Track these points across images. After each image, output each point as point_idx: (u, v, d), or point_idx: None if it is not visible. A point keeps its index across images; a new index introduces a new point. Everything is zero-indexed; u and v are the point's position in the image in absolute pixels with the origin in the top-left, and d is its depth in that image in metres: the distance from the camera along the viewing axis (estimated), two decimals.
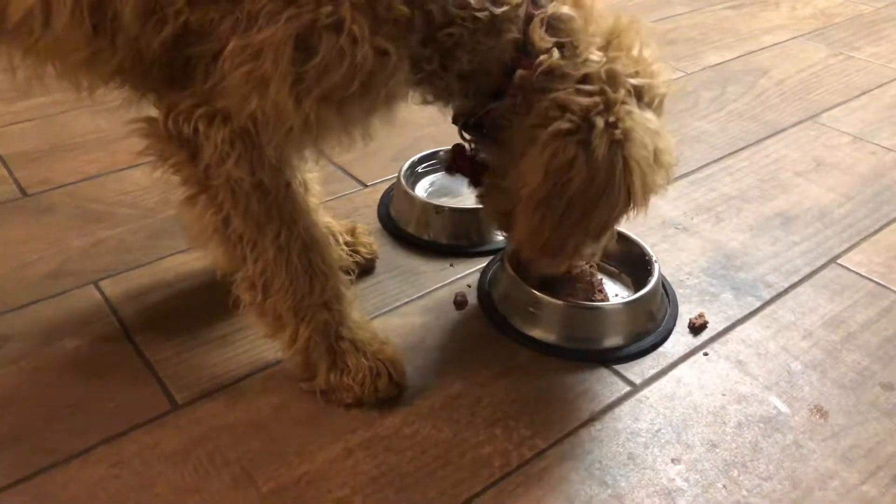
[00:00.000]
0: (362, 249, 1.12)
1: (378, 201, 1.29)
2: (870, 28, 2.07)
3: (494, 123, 0.87)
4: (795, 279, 1.14)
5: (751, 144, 1.50)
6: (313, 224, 0.88)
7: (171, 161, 0.81)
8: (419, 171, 1.33)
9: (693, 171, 1.40)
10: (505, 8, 0.78)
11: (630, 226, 1.19)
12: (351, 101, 0.74)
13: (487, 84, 0.84)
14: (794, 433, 0.90)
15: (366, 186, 1.34)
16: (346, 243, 1.11)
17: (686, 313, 1.07)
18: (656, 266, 1.06)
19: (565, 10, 0.81)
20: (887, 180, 1.39)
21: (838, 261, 1.18)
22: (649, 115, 0.83)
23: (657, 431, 0.90)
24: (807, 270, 1.16)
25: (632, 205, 0.84)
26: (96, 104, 1.49)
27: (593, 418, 0.91)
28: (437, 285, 1.11)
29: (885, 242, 1.22)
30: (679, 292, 1.11)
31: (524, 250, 0.92)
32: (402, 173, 1.27)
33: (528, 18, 0.81)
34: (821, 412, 0.93)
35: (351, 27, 0.69)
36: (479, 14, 0.77)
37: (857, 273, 1.16)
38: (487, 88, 0.85)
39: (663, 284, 1.10)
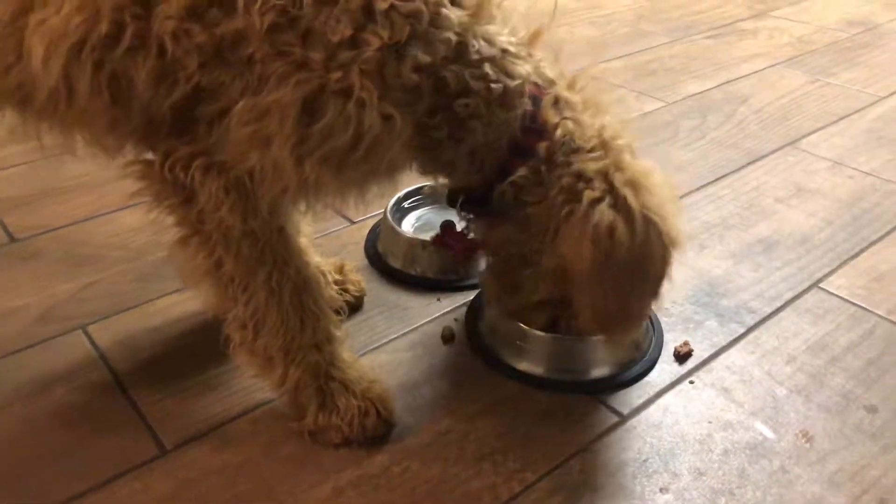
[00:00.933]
0: (351, 287, 1.13)
1: (365, 238, 1.30)
2: (846, 54, 2.11)
3: (503, 200, 0.88)
4: (778, 304, 1.16)
5: (731, 172, 1.52)
6: (305, 265, 0.89)
7: (166, 203, 0.82)
8: (405, 206, 1.35)
9: None
10: (518, 82, 0.82)
11: None
12: (351, 165, 0.75)
13: (494, 160, 0.87)
14: (781, 459, 0.91)
15: (353, 223, 1.35)
16: (336, 282, 1.12)
17: (671, 341, 1.08)
18: None
19: (566, 93, 0.87)
20: (866, 204, 1.41)
21: (820, 285, 1.20)
22: (645, 164, 0.89)
23: (645, 461, 0.90)
24: (789, 295, 1.18)
25: (671, 249, 0.88)
26: (85, 147, 1.52)
27: (582, 449, 0.92)
28: (425, 320, 1.12)
29: (865, 265, 1.24)
30: (664, 321, 1.12)
31: (591, 328, 0.93)
32: (389, 209, 1.28)
33: (537, 99, 0.85)
34: (806, 437, 0.94)
35: (360, 94, 0.70)
36: (494, 86, 0.80)
37: (838, 297, 1.17)
38: (493, 164, 0.87)
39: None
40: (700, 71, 2.00)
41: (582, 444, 0.92)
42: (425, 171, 0.90)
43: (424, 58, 0.73)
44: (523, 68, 0.83)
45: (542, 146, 0.85)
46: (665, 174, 0.91)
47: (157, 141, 0.82)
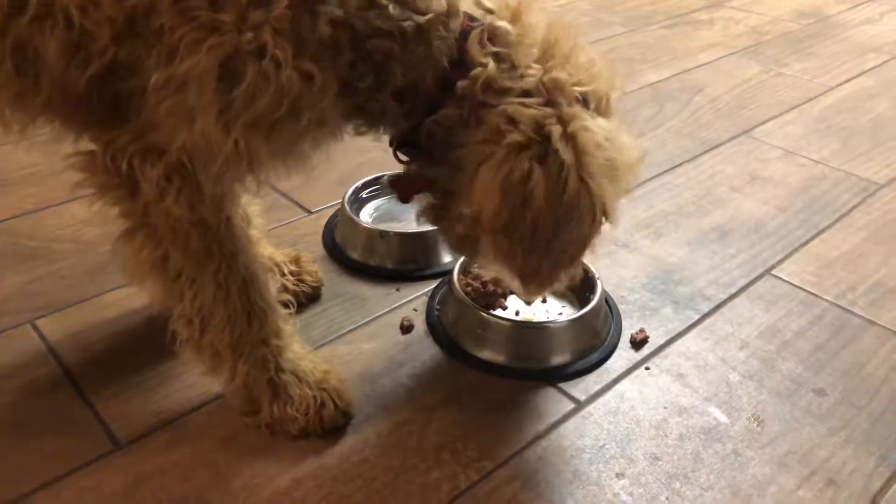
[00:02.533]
0: (307, 278, 1.12)
1: (323, 228, 1.29)
2: (798, 45, 2.15)
3: (435, 140, 0.83)
4: (732, 291, 1.18)
5: (687, 161, 1.54)
6: (253, 259, 0.88)
7: (110, 195, 0.80)
8: (363, 196, 1.34)
9: (632, 189, 1.44)
10: (429, 16, 0.77)
11: None
12: (279, 127, 0.73)
13: (422, 100, 0.82)
14: (734, 442, 0.93)
15: (311, 213, 1.34)
16: (291, 272, 1.11)
17: (628, 328, 1.10)
18: (599, 283, 1.08)
19: (501, 24, 0.80)
20: (816, 192, 1.44)
21: (773, 272, 1.22)
22: (600, 121, 0.81)
23: (601, 447, 0.91)
24: (743, 282, 1.20)
25: (601, 217, 0.81)
26: (31, 139, 1.48)
27: (539, 437, 0.92)
28: (384, 310, 1.12)
29: (815, 252, 1.27)
30: (621, 308, 1.13)
31: (504, 277, 0.90)
32: (347, 199, 1.27)
33: (465, 33, 0.80)
34: (758, 420, 0.96)
35: (273, 52, 0.69)
36: (404, 24, 0.75)
37: (790, 283, 1.20)
38: (423, 105, 0.82)
39: (607, 301, 1.12)
40: (657, 60, 2.02)
41: (540, 431, 0.93)
42: (360, 129, 0.85)
43: (337, 11, 0.71)
44: (438, 2, 0.78)
45: (461, 84, 0.79)
46: (635, 143, 0.85)
47: (90, 126, 0.81)
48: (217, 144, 0.72)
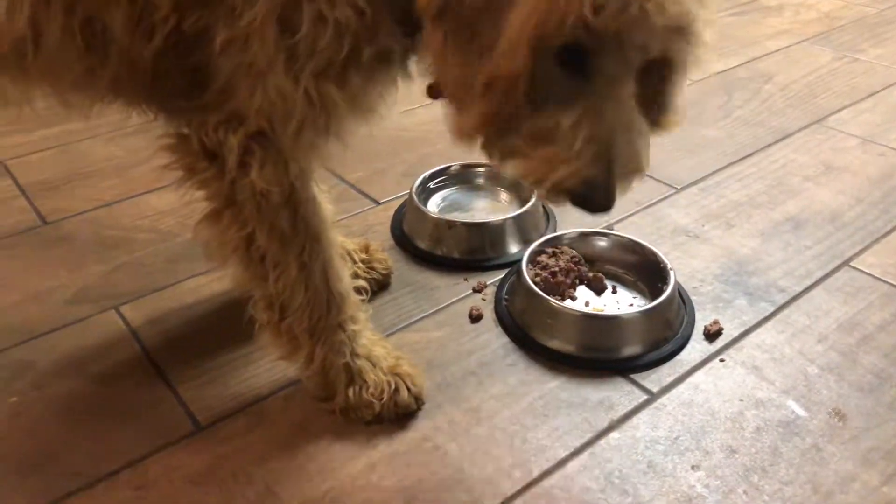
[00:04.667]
0: (378, 266, 1.13)
1: (391, 218, 1.31)
2: (873, 30, 2.07)
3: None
4: (808, 283, 1.15)
5: (758, 150, 1.51)
6: (333, 243, 0.89)
7: (199, 176, 0.81)
8: (431, 186, 1.35)
9: (702, 179, 1.41)
10: None
11: (642, 234, 1.21)
12: (346, 70, 0.72)
13: None
14: (813, 437, 0.90)
15: (378, 204, 1.35)
16: (362, 260, 1.12)
17: (701, 320, 1.08)
18: (671, 274, 1.07)
19: None
20: None
21: (851, 263, 1.19)
22: None
23: (676, 439, 0.90)
24: (819, 274, 1.16)
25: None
26: (111, 131, 1.53)
27: (612, 427, 0.92)
28: (453, 300, 1.12)
29: None
30: (693, 299, 1.11)
31: (450, 105, 0.73)
32: (414, 189, 1.28)
33: None
34: (839, 415, 0.93)
35: None
36: None
37: (870, 275, 1.16)
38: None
39: (679, 292, 1.11)
40: (725, 49, 1.97)
41: (613, 421, 0.92)
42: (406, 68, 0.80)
43: None
44: None
45: None
46: None
47: (161, 104, 0.82)
48: (290, 98, 0.73)
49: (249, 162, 0.77)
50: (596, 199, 0.70)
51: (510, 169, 0.73)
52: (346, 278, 0.91)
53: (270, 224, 0.82)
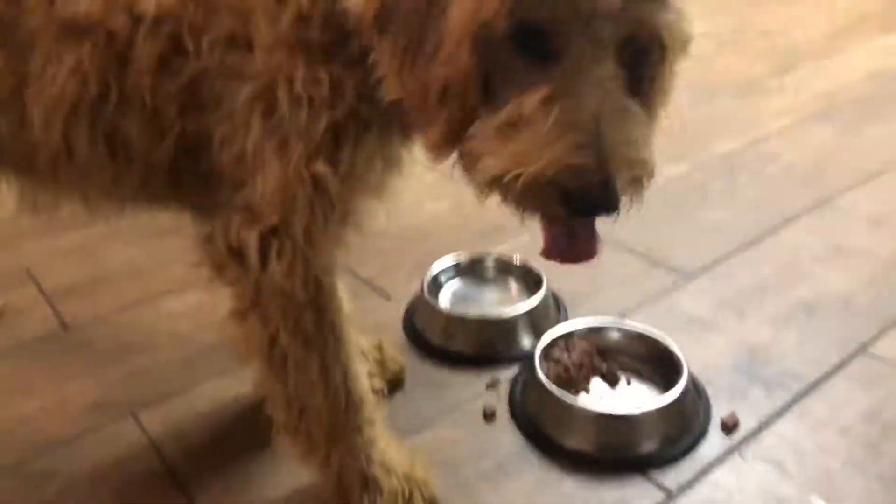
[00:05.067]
0: (391, 365, 1.14)
1: (403, 313, 1.32)
2: (874, 108, 2.11)
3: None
4: (826, 370, 1.14)
5: (766, 233, 1.52)
6: (354, 342, 0.90)
7: (226, 275, 0.83)
8: (441, 280, 1.36)
9: (711, 265, 1.42)
10: None
11: (654, 324, 1.21)
12: (333, 144, 0.75)
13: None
14: None
15: (390, 299, 1.37)
16: (376, 360, 1.13)
17: (718, 412, 1.07)
18: (684, 365, 1.07)
19: None
20: None
21: (868, 349, 1.18)
22: None
23: None
24: (836, 361, 1.16)
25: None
26: (132, 233, 1.57)
27: None
28: (466, 397, 1.12)
29: None
30: (709, 391, 1.11)
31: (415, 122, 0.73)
32: (425, 284, 1.30)
33: None
34: None
35: (290, 72, 0.73)
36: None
37: (888, 361, 1.15)
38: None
39: (693, 384, 1.10)
40: (727, 130, 2.01)
41: None
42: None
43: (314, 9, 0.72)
44: None
45: None
46: None
47: (186, 204, 0.87)
48: (290, 185, 0.75)
49: (269, 258, 0.79)
50: (592, 191, 0.62)
51: (484, 176, 0.66)
52: (364, 379, 0.92)
53: (294, 324, 0.83)
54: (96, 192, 0.89)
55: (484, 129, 0.65)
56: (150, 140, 0.80)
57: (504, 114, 0.63)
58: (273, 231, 0.79)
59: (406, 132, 0.81)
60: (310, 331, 0.84)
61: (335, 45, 0.74)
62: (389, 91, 0.70)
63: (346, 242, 0.84)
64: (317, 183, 0.76)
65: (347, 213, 0.80)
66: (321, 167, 0.75)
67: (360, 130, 0.76)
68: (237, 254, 0.81)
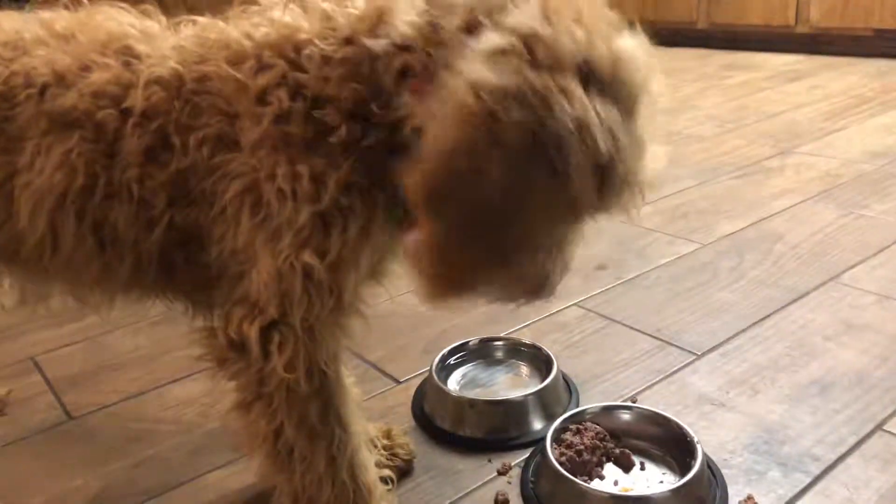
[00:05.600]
0: (400, 452, 1.12)
1: (412, 398, 1.30)
2: (875, 186, 2.14)
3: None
4: (843, 450, 1.11)
5: (775, 311, 1.51)
6: (361, 431, 0.89)
7: (229, 368, 0.83)
8: (451, 363, 1.36)
9: (722, 344, 1.41)
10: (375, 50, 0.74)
11: (666, 405, 1.19)
12: (319, 234, 0.76)
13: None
14: None
15: (399, 383, 1.36)
16: (384, 447, 1.11)
17: (734, 495, 1.04)
18: (699, 447, 1.04)
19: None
20: None
21: (884, 427, 1.15)
22: (598, 101, 0.65)
23: None
24: (853, 440, 1.13)
25: (582, 205, 0.66)
26: (138, 321, 1.58)
27: None
28: (477, 484, 1.10)
29: None
30: (724, 472, 1.08)
31: (422, 278, 0.74)
32: (434, 367, 1.29)
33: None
34: None
35: (274, 171, 0.75)
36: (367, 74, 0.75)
37: None
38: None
39: (709, 466, 1.07)
40: (732, 211, 2.03)
41: None
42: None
43: (298, 106, 0.75)
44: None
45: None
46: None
47: (186, 295, 0.88)
48: (284, 277, 0.76)
49: (271, 350, 0.80)
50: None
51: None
52: (372, 469, 0.90)
53: (299, 417, 0.83)
54: (85, 283, 0.89)
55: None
56: (138, 231, 0.82)
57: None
58: (273, 324, 0.79)
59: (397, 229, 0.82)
60: (315, 423, 0.83)
61: (316, 139, 0.77)
62: (419, 265, 0.73)
63: (348, 329, 0.85)
64: (308, 273, 0.77)
65: (343, 300, 0.80)
66: (309, 258, 0.76)
67: (346, 219, 0.77)
68: (239, 347, 0.81)
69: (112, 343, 1.54)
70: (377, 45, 0.73)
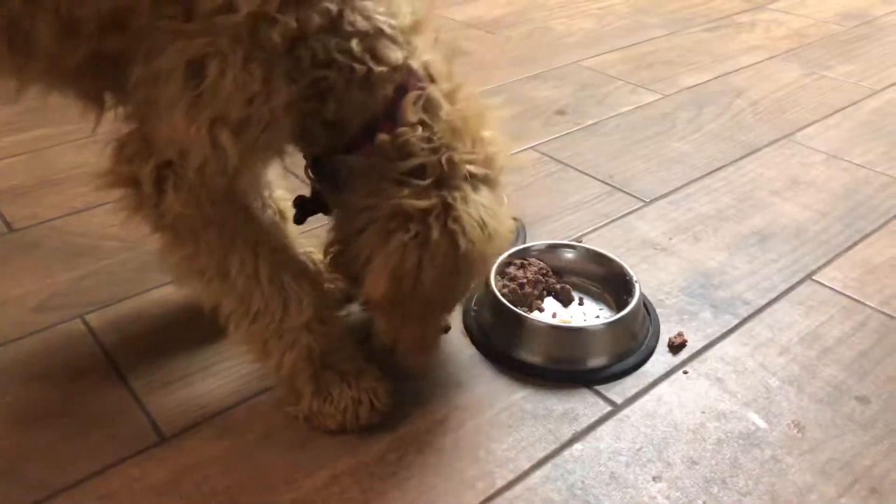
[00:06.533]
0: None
1: None
2: (842, 47, 2.12)
3: (339, 174, 0.87)
4: (772, 296, 1.17)
5: (727, 164, 1.53)
6: (284, 246, 0.90)
7: (127, 200, 0.84)
8: None
9: (671, 192, 1.43)
10: (383, 69, 0.80)
11: (610, 246, 1.22)
12: (241, 124, 0.76)
13: (345, 138, 0.84)
14: (773, 448, 0.92)
15: None
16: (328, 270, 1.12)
17: (666, 332, 1.09)
18: (637, 286, 1.08)
19: (437, 96, 0.84)
20: (860, 196, 1.42)
21: (814, 277, 1.21)
22: (482, 196, 0.85)
23: (638, 450, 0.91)
24: (783, 287, 1.18)
25: (474, 280, 0.91)
26: (84, 137, 1.52)
27: (575, 438, 0.93)
28: None
29: (858, 258, 1.25)
30: (659, 311, 1.13)
31: (394, 347, 0.93)
32: None
33: (404, 89, 0.82)
34: (798, 427, 0.95)
35: (230, 54, 0.73)
36: (356, 66, 0.79)
37: (831, 289, 1.18)
38: (344, 141, 0.85)
39: (644, 304, 1.12)
40: (697, 63, 2.00)
41: (576, 433, 0.93)
42: (295, 144, 0.89)
43: (292, 23, 0.74)
44: (395, 54, 0.81)
45: (381, 137, 0.82)
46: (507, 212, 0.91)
47: (92, 92, 0.87)
48: (187, 136, 0.76)
49: (163, 187, 0.80)
50: None
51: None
52: (306, 278, 0.91)
53: (205, 242, 0.84)
54: None
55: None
56: (62, 46, 0.78)
57: None
58: (168, 164, 0.79)
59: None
60: (219, 245, 0.85)
61: (295, 63, 0.76)
62: (381, 335, 0.93)
63: (247, 180, 0.87)
64: (215, 143, 0.76)
65: (240, 179, 0.83)
66: (224, 134, 0.76)
67: (270, 127, 0.78)
68: (134, 182, 0.82)
69: (56, 158, 1.49)
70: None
